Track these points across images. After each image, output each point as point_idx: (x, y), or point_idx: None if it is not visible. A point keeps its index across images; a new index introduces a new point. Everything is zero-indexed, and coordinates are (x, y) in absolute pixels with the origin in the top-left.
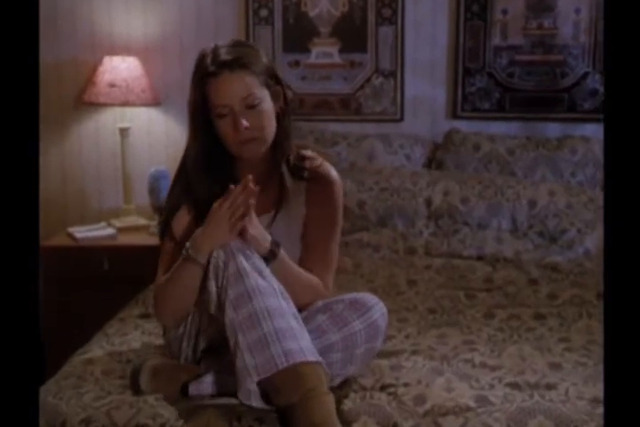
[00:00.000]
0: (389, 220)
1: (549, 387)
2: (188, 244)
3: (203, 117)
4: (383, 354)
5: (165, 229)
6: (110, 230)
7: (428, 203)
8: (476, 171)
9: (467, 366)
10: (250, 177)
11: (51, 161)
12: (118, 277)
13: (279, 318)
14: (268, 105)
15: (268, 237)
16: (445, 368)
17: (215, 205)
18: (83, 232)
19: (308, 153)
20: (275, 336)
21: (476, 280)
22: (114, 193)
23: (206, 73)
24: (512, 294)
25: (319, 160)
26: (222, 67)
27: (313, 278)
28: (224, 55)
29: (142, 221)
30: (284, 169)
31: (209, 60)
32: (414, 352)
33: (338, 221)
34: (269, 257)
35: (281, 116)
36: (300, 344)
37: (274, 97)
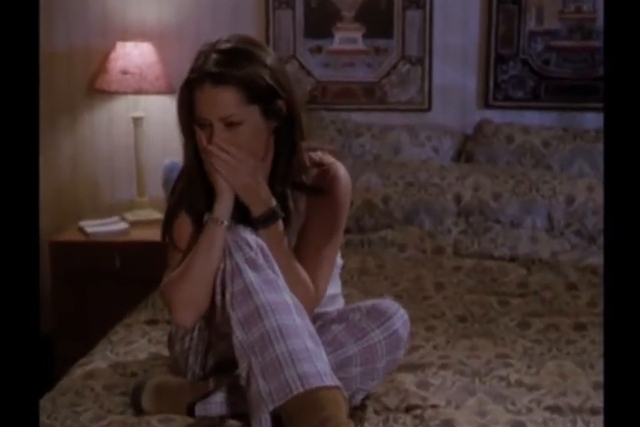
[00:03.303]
0: (416, 217)
1: (594, 411)
2: (206, 215)
3: (191, 119)
4: (409, 367)
5: (167, 233)
6: (122, 225)
7: (458, 199)
8: (508, 164)
9: (501, 384)
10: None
11: (62, 151)
12: (130, 274)
13: (293, 338)
14: (254, 125)
15: (272, 200)
16: (477, 387)
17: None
18: (94, 227)
19: (318, 156)
20: (289, 358)
21: (509, 284)
22: (127, 185)
23: (190, 80)
24: (549, 301)
25: (325, 166)
26: (205, 78)
27: (305, 273)
28: (212, 64)
29: (156, 215)
30: (287, 189)
31: (198, 64)
32: (443, 366)
33: (337, 226)
34: (264, 220)
35: (281, 135)
36: (317, 367)
37: (267, 114)
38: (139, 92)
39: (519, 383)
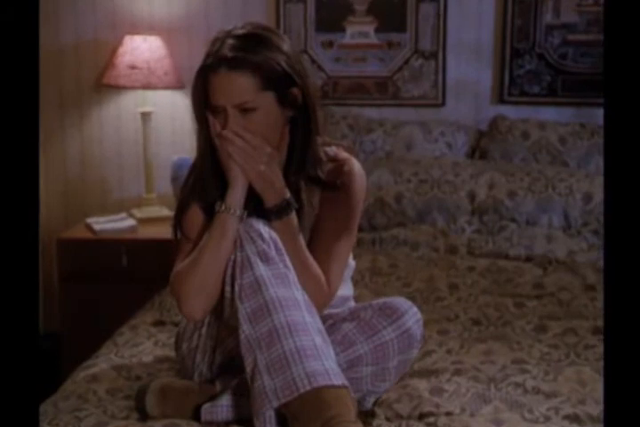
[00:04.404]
0: (429, 215)
1: None
2: (218, 204)
3: (205, 106)
4: (422, 373)
5: (178, 226)
6: (130, 222)
7: (472, 197)
8: (524, 161)
9: (517, 391)
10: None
11: (69, 147)
12: (137, 272)
13: (302, 335)
14: (269, 112)
15: (286, 191)
16: (493, 394)
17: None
18: (101, 224)
19: (332, 151)
20: (296, 355)
21: (525, 285)
22: (135, 181)
23: (205, 65)
24: (566, 303)
25: (340, 161)
26: (220, 63)
27: (318, 269)
28: (228, 49)
29: (165, 212)
30: (301, 181)
31: (214, 49)
32: (457, 372)
33: (351, 222)
34: (277, 211)
35: (296, 126)
36: (325, 365)
37: (283, 102)
38: (147, 86)
39: (536, 390)
